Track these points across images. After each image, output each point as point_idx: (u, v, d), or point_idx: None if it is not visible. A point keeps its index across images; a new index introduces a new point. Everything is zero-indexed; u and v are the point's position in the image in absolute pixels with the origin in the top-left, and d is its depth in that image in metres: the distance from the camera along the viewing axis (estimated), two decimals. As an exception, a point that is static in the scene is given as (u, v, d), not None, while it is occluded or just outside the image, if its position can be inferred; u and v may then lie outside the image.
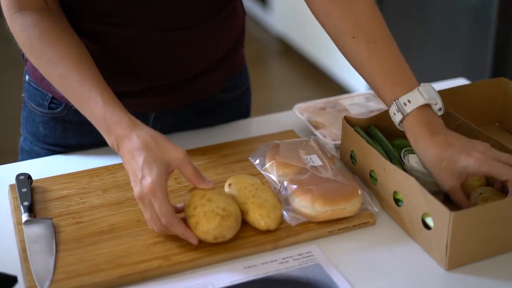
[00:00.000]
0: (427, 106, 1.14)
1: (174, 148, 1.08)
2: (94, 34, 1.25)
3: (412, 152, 1.20)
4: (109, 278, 1.03)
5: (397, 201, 1.14)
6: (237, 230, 1.09)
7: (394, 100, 1.15)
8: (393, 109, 1.16)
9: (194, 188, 1.11)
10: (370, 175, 1.20)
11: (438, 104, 1.15)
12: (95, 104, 1.12)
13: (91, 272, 1.04)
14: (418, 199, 1.09)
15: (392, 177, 1.14)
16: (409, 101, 1.14)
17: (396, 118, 1.16)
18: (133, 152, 1.07)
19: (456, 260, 1.06)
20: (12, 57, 1.42)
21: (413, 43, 2.89)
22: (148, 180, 1.04)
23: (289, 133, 1.39)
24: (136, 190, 1.06)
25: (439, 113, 1.15)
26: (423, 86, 1.14)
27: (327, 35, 1.23)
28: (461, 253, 1.06)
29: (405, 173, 1.11)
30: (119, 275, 1.03)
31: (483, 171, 1.09)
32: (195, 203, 1.08)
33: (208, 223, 1.06)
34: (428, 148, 1.11)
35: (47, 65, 1.16)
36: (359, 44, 1.18)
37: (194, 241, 1.07)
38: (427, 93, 1.13)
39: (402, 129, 1.17)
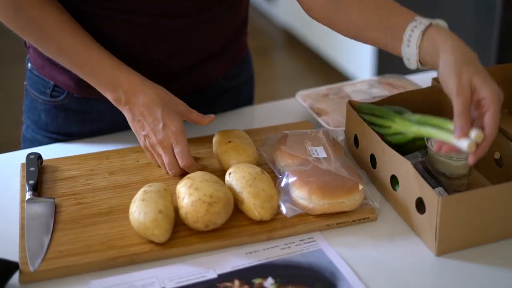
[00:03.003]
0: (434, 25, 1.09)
1: (179, 101, 1.23)
2: (97, 19, 1.25)
3: None
4: (99, 259, 1.04)
5: (394, 186, 1.13)
6: (229, 215, 1.09)
7: (415, 18, 1.10)
8: (411, 27, 1.09)
9: (182, 180, 1.11)
10: (371, 159, 1.19)
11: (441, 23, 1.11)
12: (101, 62, 1.21)
13: (83, 253, 1.05)
14: (412, 184, 1.07)
15: (390, 161, 1.13)
16: (416, 26, 1.09)
17: (417, 30, 1.08)
18: (149, 104, 1.19)
19: (446, 245, 1.05)
20: (16, 50, 1.43)
21: None
22: (172, 128, 1.18)
23: (305, 124, 1.37)
24: (159, 136, 1.19)
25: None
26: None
27: None
28: (451, 239, 1.05)
29: (402, 157, 1.10)
30: (109, 257, 1.04)
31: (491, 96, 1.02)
32: (183, 194, 1.08)
33: (196, 212, 1.06)
34: (458, 50, 1.06)
35: (38, 33, 1.21)
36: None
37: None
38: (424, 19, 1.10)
39: (417, 66, 1.10)
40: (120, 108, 1.22)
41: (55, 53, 1.23)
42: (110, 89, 1.21)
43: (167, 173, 1.22)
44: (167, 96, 1.21)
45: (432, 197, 1.03)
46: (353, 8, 1.17)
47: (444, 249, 1.05)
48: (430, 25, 1.09)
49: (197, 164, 1.22)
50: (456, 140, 1.02)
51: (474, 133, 1.01)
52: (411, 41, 1.09)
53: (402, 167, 1.10)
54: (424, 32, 1.08)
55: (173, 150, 1.20)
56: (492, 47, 2.45)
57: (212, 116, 1.25)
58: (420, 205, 1.07)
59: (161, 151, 1.20)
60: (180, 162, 1.20)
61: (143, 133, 1.21)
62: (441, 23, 1.11)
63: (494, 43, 2.43)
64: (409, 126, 1.15)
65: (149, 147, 1.22)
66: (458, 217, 1.03)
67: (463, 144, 1.01)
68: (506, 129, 1.17)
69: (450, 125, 1.07)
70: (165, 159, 1.20)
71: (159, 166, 1.25)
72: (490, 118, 1.02)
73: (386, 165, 1.15)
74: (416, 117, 1.15)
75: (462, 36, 1.14)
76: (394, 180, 1.13)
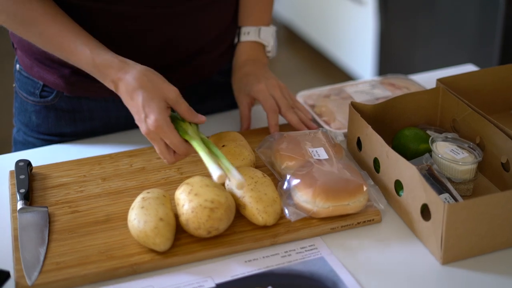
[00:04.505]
0: (260, 44, 1.38)
1: (168, 85, 1.13)
2: (85, 11, 1.21)
3: (440, 139, 1.18)
4: (99, 270, 1.00)
5: (398, 191, 1.10)
6: (231, 221, 1.06)
7: (240, 27, 1.38)
8: (236, 34, 1.39)
9: (182, 185, 1.07)
10: (374, 163, 1.16)
11: (269, 47, 1.39)
12: (83, 53, 1.15)
13: (81, 264, 1.01)
14: (418, 189, 1.04)
15: (394, 166, 1.10)
16: (248, 33, 1.37)
17: (235, 40, 1.39)
18: (130, 93, 1.12)
19: (452, 254, 1.02)
20: (10, 48, 1.39)
21: (420, 29, 2.83)
22: (152, 119, 1.10)
23: (300, 124, 1.35)
24: (143, 128, 1.12)
25: (268, 54, 1.40)
26: (267, 28, 1.38)
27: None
28: (457, 247, 1.02)
29: (407, 162, 1.07)
30: (110, 267, 1.01)
31: (257, 92, 1.31)
32: (183, 201, 1.04)
33: (197, 218, 1.02)
34: (239, 72, 1.35)
35: (22, 25, 1.16)
36: None
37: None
38: (264, 35, 1.37)
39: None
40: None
41: (41, 44, 1.19)
42: (101, 79, 1.16)
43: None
44: (150, 80, 1.13)
45: (438, 204, 1.00)
46: None
47: (450, 257, 1.02)
48: (237, 43, 1.39)
49: (192, 147, 1.12)
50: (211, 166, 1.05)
51: (217, 173, 1.04)
52: (235, 40, 1.40)
53: (407, 172, 1.07)
54: (236, 45, 1.39)
55: (163, 140, 1.12)
56: (496, 45, 2.43)
57: (203, 117, 1.15)
58: (425, 212, 1.04)
59: (151, 142, 1.13)
60: (178, 153, 1.13)
61: (136, 121, 1.14)
62: (255, 36, 1.38)
63: (498, 41, 2.41)
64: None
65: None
66: (465, 224, 1.00)
67: (214, 173, 1.04)
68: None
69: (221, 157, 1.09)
70: (156, 149, 1.13)
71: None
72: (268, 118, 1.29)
73: (390, 170, 1.12)
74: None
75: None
76: (398, 185, 1.11)
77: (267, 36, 1.37)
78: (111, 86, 1.15)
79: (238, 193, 1.08)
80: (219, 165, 1.06)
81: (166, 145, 1.12)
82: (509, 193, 1.01)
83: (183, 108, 1.13)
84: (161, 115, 1.10)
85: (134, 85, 1.12)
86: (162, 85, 1.13)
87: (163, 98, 1.11)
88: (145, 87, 1.12)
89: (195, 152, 1.11)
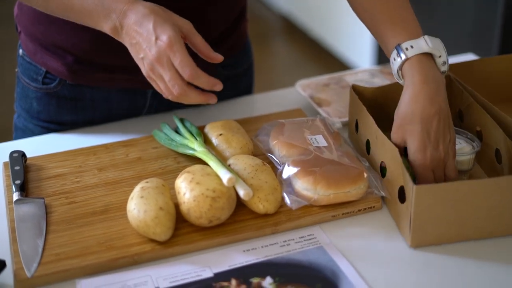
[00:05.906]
0: (430, 56, 1.08)
1: (181, 17, 1.07)
2: None
3: None
4: (99, 261, 0.99)
5: (384, 173, 1.10)
6: (232, 210, 1.05)
7: (396, 46, 1.09)
8: (393, 55, 1.09)
9: (182, 174, 1.06)
10: (366, 145, 1.16)
11: (442, 57, 1.09)
12: None
13: (81, 255, 1.00)
14: (397, 171, 1.04)
15: (381, 147, 1.10)
16: (411, 46, 1.08)
17: (396, 63, 1.09)
18: (140, 20, 1.05)
19: (420, 238, 1.02)
20: (8, 36, 1.37)
21: (419, 18, 2.79)
22: (164, 38, 1.03)
23: (296, 112, 1.34)
24: (153, 51, 1.03)
25: (443, 68, 1.10)
26: (430, 37, 1.09)
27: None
28: (425, 231, 1.01)
29: (391, 144, 1.06)
30: (110, 258, 0.99)
31: (414, 165, 1.06)
32: (184, 189, 1.03)
33: (199, 207, 1.01)
34: (410, 104, 1.06)
35: None
36: None
37: (214, 100, 1.10)
38: (432, 43, 1.08)
39: (400, 79, 1.11)
40: (119, 38, 1.09)
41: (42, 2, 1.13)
42: (104, 18, 1.08)
43: (168, 98, 1.08)
44: (162, 10, 1.06)
45: (409, 185, 0.99)
46: None
47: (418, 241, 1.02)
48: (405, 60, 1.08)
49: (206, 74, 1.06)
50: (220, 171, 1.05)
51: (228, 176, 1.03)
52: (394, 70, 1.11)
53: (390, 154, 1.06)
54: (401, 68, 1.09)
55: (173, 65, 1.04)
56: (495, 34, 2.41)
57: (220, 56, 1.09)
58: (402, 194, 1.04)
59: (160, 70, 1.05)
60: (183, 75, 1.04)
61: (141, 55, 1.06)
62: (424, 46, 1.08)
63: (498, 30, 2.40)
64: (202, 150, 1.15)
65: (150, 73, 1.06)
66: (432, 209, 0.99)
67: (224, 176, 1.04)
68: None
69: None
70: (166, 76, 1.04)
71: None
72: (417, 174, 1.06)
73: (378, 151, 1.12)
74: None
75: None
76: (384, 167, 1.10)
77: (436, 42, 1.09)
78: (114, 24, 1.07)
79: (239, 181, 1.07)
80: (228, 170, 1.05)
81: (177, 71, 1.04)
82: (479, 182, 1.01)
83: (199, 39, 1.07)
84: (175, 33, 1.03)
85: (144, 12, 1.05)
86: (175, 15, 1.07)
87: (176, 25, 1.05)
88: (158, 13, 1.05)
89: (206, 78, 1.06)
